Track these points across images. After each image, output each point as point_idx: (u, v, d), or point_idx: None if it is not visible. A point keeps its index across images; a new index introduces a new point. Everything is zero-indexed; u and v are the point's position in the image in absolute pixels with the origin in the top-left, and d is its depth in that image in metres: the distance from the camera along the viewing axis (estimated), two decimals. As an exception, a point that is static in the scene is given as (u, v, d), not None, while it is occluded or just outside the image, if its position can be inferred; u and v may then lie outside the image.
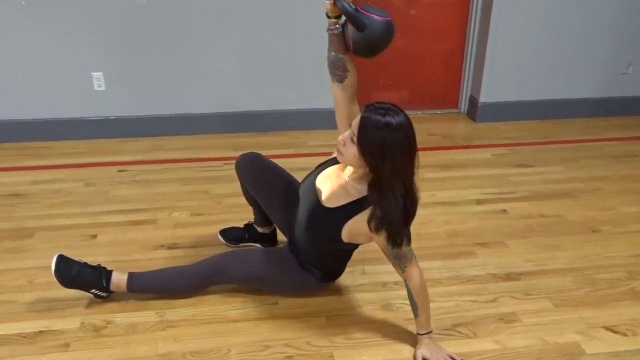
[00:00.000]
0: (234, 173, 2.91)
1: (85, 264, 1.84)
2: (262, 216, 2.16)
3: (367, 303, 1.90)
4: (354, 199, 1.59)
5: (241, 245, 2.24)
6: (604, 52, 3.65)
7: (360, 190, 1.57)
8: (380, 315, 1.84)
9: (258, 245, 2.24)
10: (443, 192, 2.72)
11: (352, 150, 1.47)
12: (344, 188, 1.62)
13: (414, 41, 3.69)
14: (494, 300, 1.91)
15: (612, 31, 3.58)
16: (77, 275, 1.79)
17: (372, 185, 1.50)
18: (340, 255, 1.82)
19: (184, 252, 2.20)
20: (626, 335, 1.75)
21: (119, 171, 2.98)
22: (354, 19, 1.50)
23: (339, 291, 1.96)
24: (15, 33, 3.08)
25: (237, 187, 2.72)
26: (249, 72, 3.39)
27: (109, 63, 3.25)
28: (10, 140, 3.31)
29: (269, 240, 2.24)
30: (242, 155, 2.08)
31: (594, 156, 3.18)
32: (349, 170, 1.61)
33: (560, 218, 2.49)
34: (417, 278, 1.59)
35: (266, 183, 2.00)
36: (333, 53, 1.62)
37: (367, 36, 1.52)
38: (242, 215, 2.43)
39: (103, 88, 3.31)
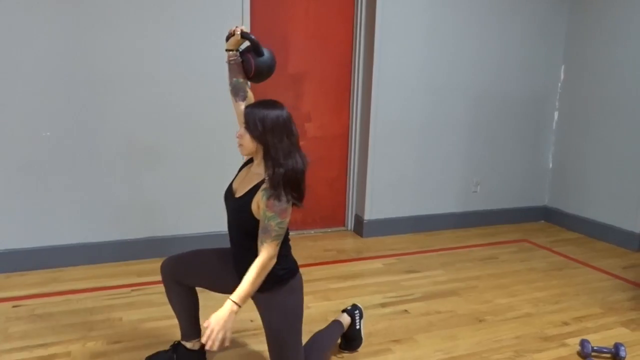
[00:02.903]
0: (145, 298, 2.93)
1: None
2: (189, 324, 2.20)
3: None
4: (255, 182, 1.86)
5: (169, 366, 2.22)
6: (458, 174, 4.43)
7: (261, 174, 1.86)
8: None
9: (187, 365, 2.23)
10: (350, 298, 2.97)
11: (247, 137, 1.83)
12: (249, 178, 1.93)
13: (303, 168, 4.14)
14: (416, 388, 2.13)
15: (463, 157, 4.41)
16: None
17: (264, 158, 1.82)
18: None
19: (109, 381, 2.11)
20: (526, 403, 2.07)
21: (13, 306, 2.77)
22: (257, 46, 1.96)
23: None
24: None
25: (152, 311, 2.74)
26: (148, 199, 3.49)
27: (0, 193, 3.15)
28: None
29: (198, 357, 2.25)
30: (165, 261, 2.19)
31: (465, 260, 3.73)
32: (254, 163, 1.93)
33: (452, 312, 2.86)
34: (266, 257, 1.77)
35: (201, 263, 2.16)
36: (235, 79, 2.04)
37: (264, 60, 1.99)
38: (164, 338, 2.43)
39: (-7, 220, 3.16)
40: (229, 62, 2.04)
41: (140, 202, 3.47)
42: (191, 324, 2.23)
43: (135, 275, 3.25)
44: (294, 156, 1.82)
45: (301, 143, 4.12)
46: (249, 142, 1.84)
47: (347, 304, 2.88)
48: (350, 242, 4.09)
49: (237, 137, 1.88)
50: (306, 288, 3.09)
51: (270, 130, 1.79)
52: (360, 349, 2.43)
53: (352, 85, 4.17)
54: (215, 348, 1.69)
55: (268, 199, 1.76)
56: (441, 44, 4.14)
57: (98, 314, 2.71)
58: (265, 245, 1.78)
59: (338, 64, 4.12)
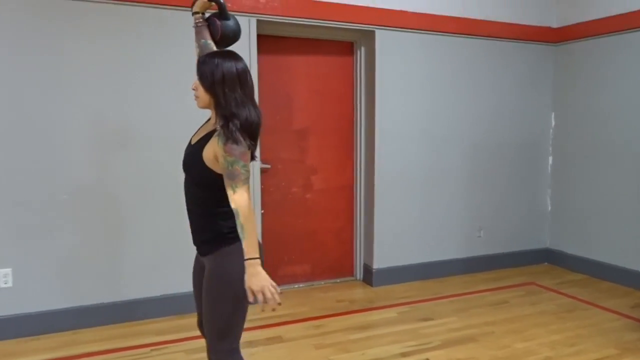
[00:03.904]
0: (166, 357, 2.93)
1: None
2: None
3: None
4: (210, 130, 1.87)
5: None
6: (461, 220, 4.54)
7: (215, 125, 1.84)
8: None
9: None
10: (370, 349, 2.99)
11: (201, 89, 1.84)
12: (205, 128, 1.94)
13: (310, 220, 4.23)
14: None
15: (465, 203, 4.53)
16: None
17: (217, 108, 1.82)
18: (223, 198, 1.81)
19: None
20: None
21: (33, 372, 2.75)
22: (224, 8, 2.08)
23: None
24: None
25: (175, 370, 2.72)
26: (161, 257, 3.51)
27: (18, 258, 3.17)
28: None
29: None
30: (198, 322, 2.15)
31: (477, 305, 3.78)
32: (210, 117, 1.93)
33: (473, 359, 2.89)
34: (246, 201, 1.73)
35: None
36: (202, 41, 2.11)
37: (230, 24, 2.10)
38: (192, 397, 2.42)
39: (10, 284, 3.16)
40: (195, 25, 2.12)
41: (153, 260, 3.49)
42: None
43: (153, 334, 3.24)
44: (248, 107, 1.81)
45: (307, 196, 4.27)
46: (203, 94, 1.84)
47: (369, 356, 2.91)
48: (360, 292, 4.12)
49: (193, 89, 1.88)
50: (325, 340, 3.13)
51: (220, 81, 1.79)
52: (388, 401, 2.43)
53: (355, 139, 4.32)
54: (277, 301, 1.65)
55: (225, 143, 1.73)
56: (438, 97, 4.34)
57: (121, 377, 2.70)
58: (237, 191, 1.73)
59: (340, 118, 4.29)
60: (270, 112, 3.95)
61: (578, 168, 4.64)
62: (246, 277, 1.71)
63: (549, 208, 4.94)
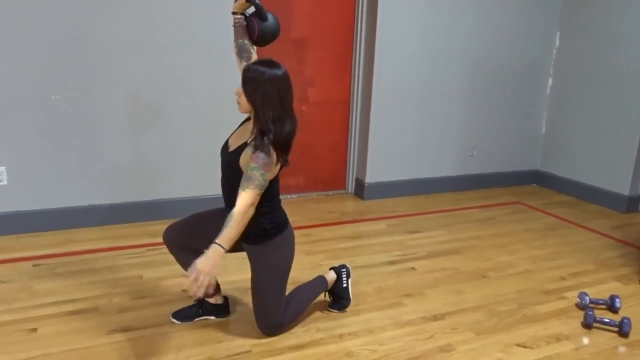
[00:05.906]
0: (162, 257, 3.03)
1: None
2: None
3: (330, 353, 2.13)
4: (246, 139, 1.97)
5: (196, 320, 2.33)
6: (455, 138, 4.55)
7: (252, 133, 1.95)
8: (345, 361, 2.08)
9: (212, 318, 2.35)
10: (359, 257, 3.11)
11: (243, 96, 1.92)
12: (243, 134, 2.04)
13: (305, 133, 4.20)
14: (431, 337, 2.28)
15: (461, 122, 4.52)
16: None
17: (255, 120, 1.93)
18: (263, 198, 1.96)
19: (141, 333, 2.22)
20: (532, 348, 2.24)
21: (34, 265, 2.84)
22: (261, 10, 2.08)
23: (303, 347, 2.16)
24: None
25: (170, 269, 2.84)
26: (155, 162, 3.53)
27: (12, 157, 3.17)
28: None
29: (223, 310, 2.36)
30: (165, 231, 2.29)
31: (465, 221, 3.89)
32: (250, 120, 2.00)
33: (456, 269, 3.02)
34: (245, 202, 1.82)
35: (202, 227, 2.21)
36: (240, 41, 2.14)
37: (267, 25, 2.10)
38: (186, 294, 2.53)
39: (4, 182, 3.18)
40: (234, 24, 2.13)
41: (148, 165, 3.51)
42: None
43: (148, 236, 3.33)
44: (284, 121, 1.89)
45: (303, 108, 4.24)
46: (244, 101, 1.92)
47: (357, 263, 3.02)
48: (352, 205, 4.20)
49: (236, 95, 1.95)
50: (316, 247, 3.24)
51: (261, 92, 1.86)
52: (374, 302, 2.57)
53: (354, 51, 4.21)
54: (199, 294, 1.73)
55: (253, 152, 1.86)
56: (440, 11, 4.18)
57: (118, 272, 2.80)
58: (247, 191, 1.83)
59: (340, 30, 4.14)
60: (267, 18, 3.80)
61: (577, 92, 4.59)
62: (204, 255, 1.75)
63: (543, 130, 4.94)
